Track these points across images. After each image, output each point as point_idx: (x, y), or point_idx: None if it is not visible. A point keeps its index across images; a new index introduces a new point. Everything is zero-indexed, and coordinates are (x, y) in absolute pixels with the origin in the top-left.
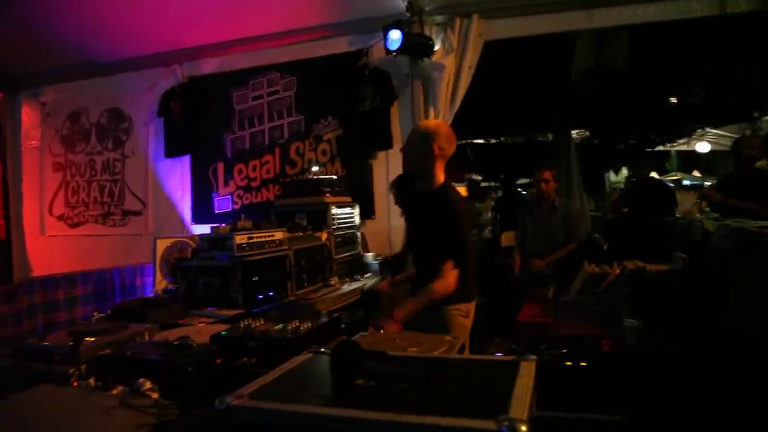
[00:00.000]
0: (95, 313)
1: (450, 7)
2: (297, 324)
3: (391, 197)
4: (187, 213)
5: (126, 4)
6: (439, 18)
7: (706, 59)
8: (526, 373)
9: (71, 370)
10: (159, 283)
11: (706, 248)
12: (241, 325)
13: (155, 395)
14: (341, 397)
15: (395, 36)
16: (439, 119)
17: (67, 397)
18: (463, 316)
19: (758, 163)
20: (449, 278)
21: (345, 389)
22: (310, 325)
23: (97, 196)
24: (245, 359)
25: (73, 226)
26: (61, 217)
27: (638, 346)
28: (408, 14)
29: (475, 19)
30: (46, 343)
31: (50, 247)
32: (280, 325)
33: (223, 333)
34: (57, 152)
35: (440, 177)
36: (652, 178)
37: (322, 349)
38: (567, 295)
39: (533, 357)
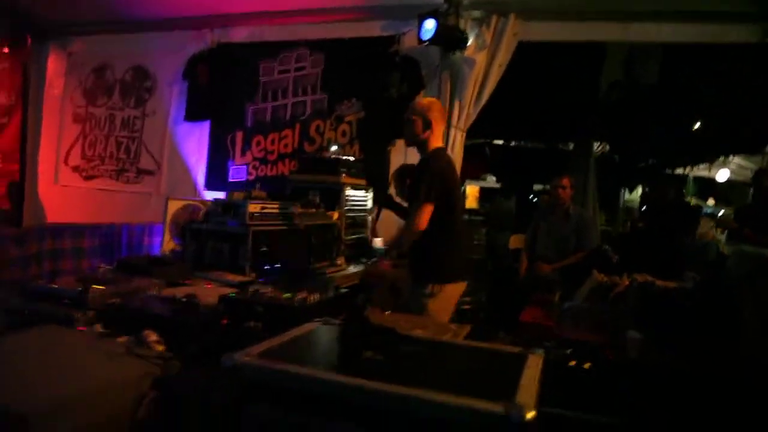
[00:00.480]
0: (101, 265)
1: (488, 3)
2: (306, 294)
3: None
4: (200, 178)
5: None
6: (475, 13)
7: (739, 86)
8: (534, 364)
9: (78, 315)
10: (167, 243)
11: (719, 270)
12: (250, 290)
13: (160, 347)
14: (348, 366)
15: (430, 25)
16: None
17: (74, 338)
18: (428, 295)
19: None
20: (417, 218)
21: (352, 359)
22: (318, 297)
23: (113, 151)
24: (252, 323)
25: (88, 178)
26: (76, 169)
27: (641, 358)
28: (445, 5)
29: (512, 19)
30: (55, 286)
31: (62, 196)
32: (289, 294)
33: (232, 295)
34: (78, 103)
35: (433, 145)
36: (679, 198)
37: (332, 320)
38: (572, 300)
39: (541, 351)
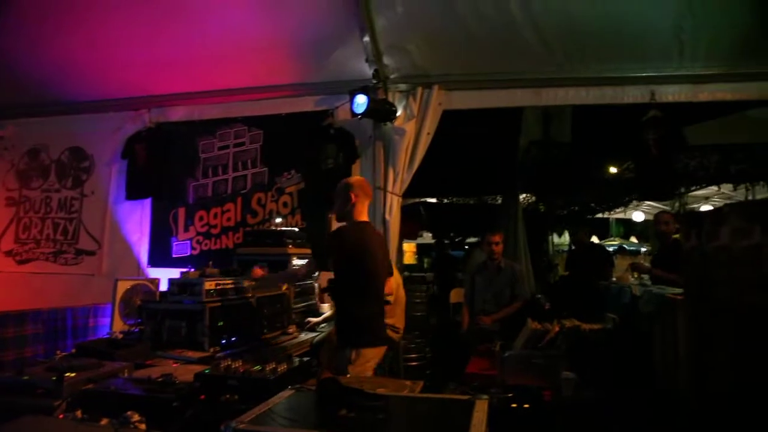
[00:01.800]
0: (58, 351)
1: (413, 77)
2: (274, 365)
3: None
4: (143, 255)
5: (97, 48)
6: (402, 86)
7: (638, 140)
8: (480, 409)
9: (56, 403)
10: (117, 325)
11: (633, 310)
12: (222, 366)
13: (143, 426)
14: (329, 424)
15: (361, 100)
16: (359, 176)
17: (57, 427)
18: (347, 361)
19: (675, 236)
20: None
21: (330, 418)
22: (285, 366)
23: (50, 233)
24: (227, 396)
25: (21, 262)
26: (9, 253)
27: (573, 396)
28: (374, 81)
29: (436, 90)
30: (25, 377)
31: None
32: (258, 366)
33: (206, 371)
34: (11, 187)
35: (356, 219)
36: (593, 243)
37: (305, 387)
38: (512, 349)
39: (486, 396)
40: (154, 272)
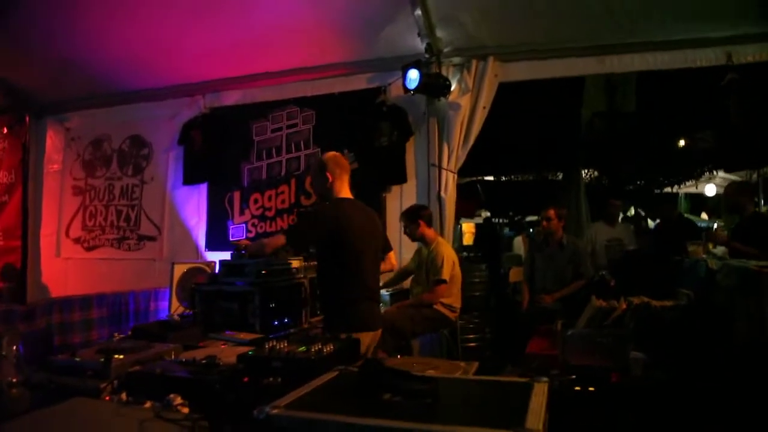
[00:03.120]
0: (116, 334)
1: (467, 49)
2: (320, 346)
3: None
4: (201, 240)
5: (151, 38)
6: (456, 59)
7: (715, 107)
8: (540, 392)
9: (103, 385)
10: (175, 307)
11: (709, 286)
12: (266, 347)
13: (186, 410)
14: (370, 409)
15: (413, 75)
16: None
17: (101, 409)
18: None
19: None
20: (270, 239)
21: (373, 402)
22: (332, 347)
23: (113, 220)
24: (271, 378)
25: (89, 249)
26: (77, 240)
27: (643, 378)
28: (426, 55)
29: (491, 62)
30: (77, 359)
31: (65, 269)
32: (304, 347)
33: (250, 353)
34: (78, 176)
35: (335, 196)
36: (681, 215)
37: (349, 368)
38: (574, 328)
39: (545, 379)
40: (212, 256)
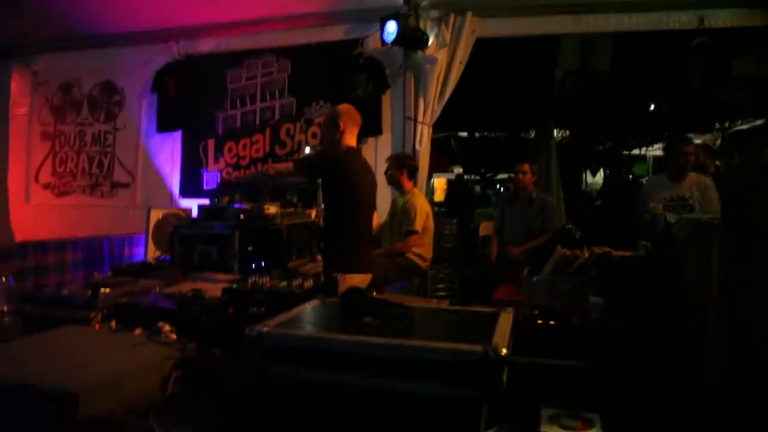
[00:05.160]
0: (95, 273)
1: (446, 3)
2: (300, 281)
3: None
4: (175, 187)
5: None
6: (434, 13)
7: (680, 69)
8: (505, 319)
9: (92, 315)
10: (152, 252)
11: (666, 238)
12: (249, 282)
13: (174, 336)
14: (353, 329)
15: (392, 28)
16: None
17: (94, 334)
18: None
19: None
20: (279, 165)
21: (355, 324)
22: (311, 283)
23: (85, 166)
24: (254, 309)
25: (60, 195)
26: (47, 186)
27: (600, 320)
28: (405, 7)
29: (469, 17)
30: (65, 292)
31: (35, 215)
32: (285, 282)
33: (234, 286)
34: (46, 121)
35: (344, 146)
36: (631, 177)
37: (330, 299)
38: (539, 275)
39: (510, 309)
40: (186, 203)
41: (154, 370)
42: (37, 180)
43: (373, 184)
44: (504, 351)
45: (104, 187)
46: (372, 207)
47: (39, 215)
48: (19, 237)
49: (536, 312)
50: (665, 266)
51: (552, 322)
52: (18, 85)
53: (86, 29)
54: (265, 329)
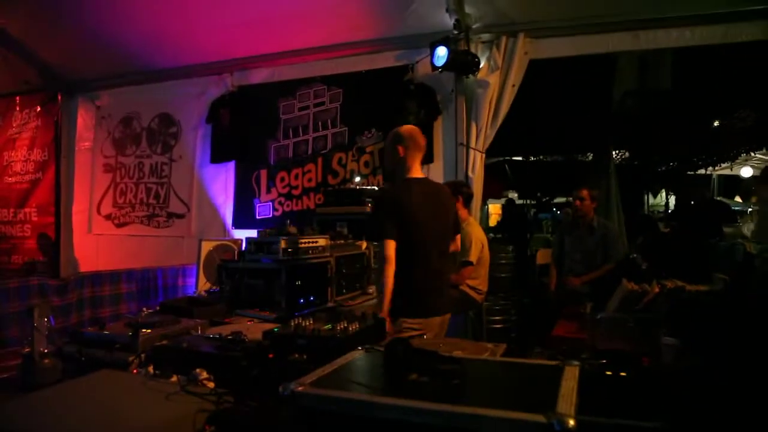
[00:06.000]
0: (144, 309)
1: (497, 25)
2: (345, 324)
3: None
4: (228, 217)
5: (179, 16)
6: (485, 36)
7: (755, 83)
8: (571, 376)
9: (131, 358)
10: (202, 284)
11: (747, 271)
12: (292, 324)
13: (211, 384)
14: (395, 389)
15: (442, 53)
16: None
17: (129, 381)
18: (401, 331)
19: None
20: (385, 253)
21: (398, 382)
22: (357, 326)
23: (143, 197)
24: (296, 355)
25: (119, 225)
26: (108, 217)
27: (677, 363)
28: (455, 31)
29: (521, 38)
30: (106, 332)
31: (96, 245)
32: (329, 325)
33: (276, 330)
34: (108, 154)
35: (407, 174)
36: (714, 198)
37: (375, 347)
38: (604, 312)
39: (576, 362)
40: (239, 234)
41: (186, 423)
42: (99, 211)
43: (446, 212)
44: (571, 423)
45: (161, 218)
46: (444, 237)
47: (100, 245)
48: (82, 266)
49: (604, 361)
50: (750, 303)
51: (622, 373)
52: (83, 120)
53: (144, 64)
54: (300, 388)
